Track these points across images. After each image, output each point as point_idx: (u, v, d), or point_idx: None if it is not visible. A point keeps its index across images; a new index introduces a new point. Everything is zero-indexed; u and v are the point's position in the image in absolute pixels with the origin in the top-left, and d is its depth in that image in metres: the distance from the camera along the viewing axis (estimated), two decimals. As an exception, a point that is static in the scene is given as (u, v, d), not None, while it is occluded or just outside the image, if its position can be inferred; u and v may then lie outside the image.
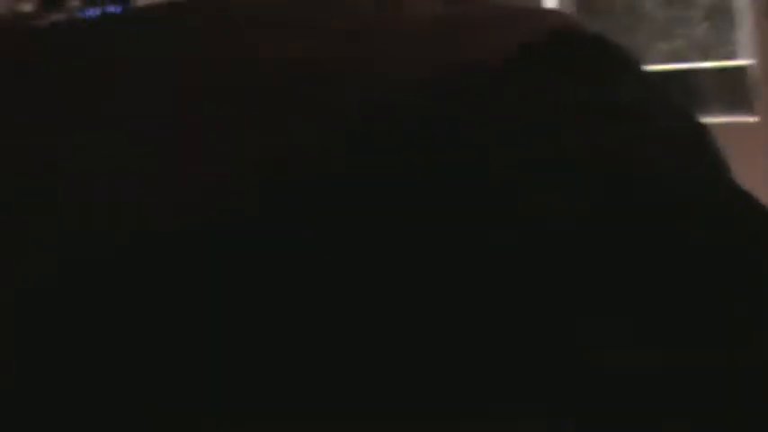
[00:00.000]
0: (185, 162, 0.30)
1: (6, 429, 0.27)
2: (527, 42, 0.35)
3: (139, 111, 0.33)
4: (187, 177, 0.30)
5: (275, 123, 0.31)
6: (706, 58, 3.84)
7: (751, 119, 3.59)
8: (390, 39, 0.36)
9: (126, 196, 0.30)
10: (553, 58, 0.36)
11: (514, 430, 0.27)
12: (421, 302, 0.28)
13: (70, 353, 0.27)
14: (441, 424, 0.27)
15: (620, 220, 0.31)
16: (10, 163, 0.32)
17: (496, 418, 0.27)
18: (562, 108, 0.34)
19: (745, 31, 3.72)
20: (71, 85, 0.35)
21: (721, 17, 3.83)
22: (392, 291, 0.28)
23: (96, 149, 0.32)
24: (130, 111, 0.33)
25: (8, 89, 0.35)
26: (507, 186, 0.31)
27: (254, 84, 0.33)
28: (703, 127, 0.41)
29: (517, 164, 0.31)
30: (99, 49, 0.37)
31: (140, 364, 0.27)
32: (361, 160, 0.30)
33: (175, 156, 0.31)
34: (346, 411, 0.27)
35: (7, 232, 0.29)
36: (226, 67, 0.34)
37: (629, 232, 0.31)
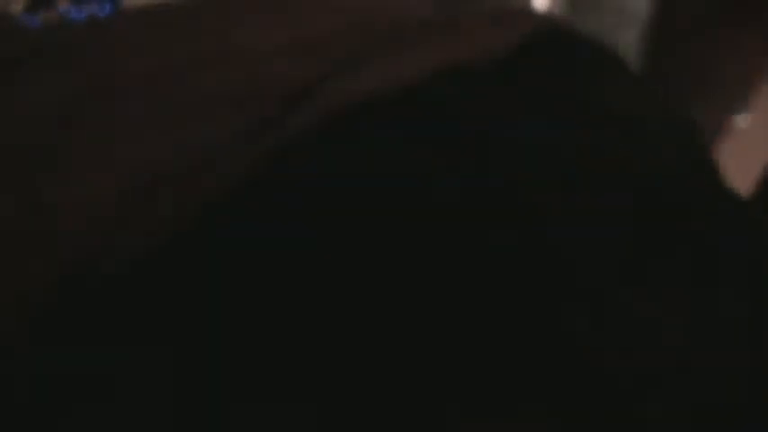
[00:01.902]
0: (184, 161, 0.30)
1: (5, 428, 0.27)
2: (521, 43, 0.35)
3: (137, 110, 0.33)
4: (185, 178, 0.30)
5: (275, 122, 0.31)
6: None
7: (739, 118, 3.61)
8: (382, 39, 0.36)
9: (121, 198, 0.30)
10: (547, 58, 0.36)
11: (514, 430, 0.27)
12: (421, 302, 0.28)
13: (71, 354, 0.27)
14: (441, 423, 0.27)
15: (617, 220, 0.31)
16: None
17: (496, 417, 0.27)
18: (559, 108, 0.34)
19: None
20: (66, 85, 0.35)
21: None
22: (392, 291, 0.28)
23: (95, 144, 0.32)
24: (126, 110, 0.33)
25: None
26: (507, 186, 0.31)
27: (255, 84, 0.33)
28: (694, 126, 0.41)
29: (516, 164, 0.31)
30: (88, 50, 0.37)
31: (141, 364, 0.27)
32: (358, 158, 0.30)
33: (172, 155, 0.31)
34: (346, 411, 0.27)
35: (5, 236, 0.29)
36: (218, 63, 0.34)
37: (626, 232, 0.31)
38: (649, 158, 0.35)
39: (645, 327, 0.30)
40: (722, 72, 0.84)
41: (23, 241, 0.30)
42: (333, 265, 0.29)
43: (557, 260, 0.30)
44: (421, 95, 0.33)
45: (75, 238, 0.29)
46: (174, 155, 0.31)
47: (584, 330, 0.29)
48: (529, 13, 0.39)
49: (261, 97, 0.32)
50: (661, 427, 0.28)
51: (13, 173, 0.32)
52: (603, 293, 0.30)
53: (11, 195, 0.31)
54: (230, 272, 0.29)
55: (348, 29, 0.36)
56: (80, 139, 0.32)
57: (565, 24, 0.39)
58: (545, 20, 0.39)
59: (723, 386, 0.30)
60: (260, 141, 0.31)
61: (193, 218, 0.29)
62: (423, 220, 0.30)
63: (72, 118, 0.33)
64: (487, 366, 0.28)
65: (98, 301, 0.28)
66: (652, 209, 0.32)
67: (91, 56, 0.37)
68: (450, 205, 0.30)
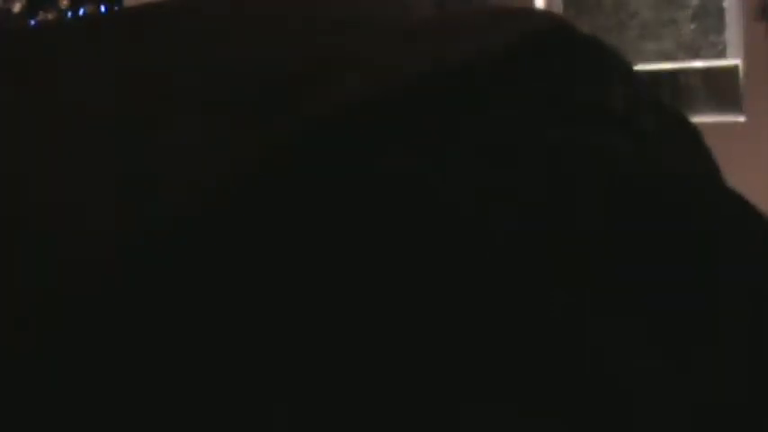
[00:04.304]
0: (181, 165, 0.30)
1: (3, 426, 0.27)
2: (521, 42, 0.35)
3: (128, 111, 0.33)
4: (184, 177, 0.30)
5: (272, 120, 0.31)
6: (695, 59, 3.86)
7: (739, 118, 3.61)
8: (379, 38, 0.36)
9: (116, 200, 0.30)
10: (548, 58, 0.36)
11: (500, 428, 0.27)
12: (408, 302, 0.28)
13: (69, 358, 0.27)
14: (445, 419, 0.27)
15: (613, 220, 0.31)
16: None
17: (481, 416, 0.27)
18: (557, 108, 0.34)
19: (733, 31, 3.74)
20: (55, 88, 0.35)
21: (710, 17, 3.84)
22: (391, 289, 0.28)
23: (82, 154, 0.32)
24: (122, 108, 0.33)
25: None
26: (504, 180, 0.31)
27: (246, 84, 0.33)
28: (694, 127, 0.41)
29: (514, 160, 0.31)
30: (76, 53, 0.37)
31: (140, 366, 0.27)
32: (358, 160, 0.30)
33: (168, 159, 0.31)
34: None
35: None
36: (222, 69, 0.34)
37: (623, 231, 0.31)
38: (649, 158, 0.35)
39: (642, 325, 0.30)
40: None
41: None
42: (334, 266, 0.29)
43: (551, 258, 0.30)
44: (420, 95, 0.33)
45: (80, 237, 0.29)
46: (177, 151, 0.31)
47: (582, 329, 0.29)
48: (529, 12, 0.39)
49: (262, 94, 0.32)
50: (656, 428, 0.28)
51: (10, 174, 0.32)
52: (601, 291, 0.30)
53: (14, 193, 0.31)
54: (231, 272, 0.28)
55: (346, 27, 0.36)
56: (87, 138, 0.32)
57: (566, 23, 0.39)
58: (545, 19, 0.39)
59: (719, 382, 0.30)
60: (259, 139, 0.31)
61: (192, 218, 0.29)
62: (421, 221, 0.30)
63: (77, 117, 0.33)
64: (461, 365, 0.28)
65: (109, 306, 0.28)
66: (649, 209, 0.32)
67: (92, 55, 0.37)
68: (444, 204, 0.30)
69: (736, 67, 3.69)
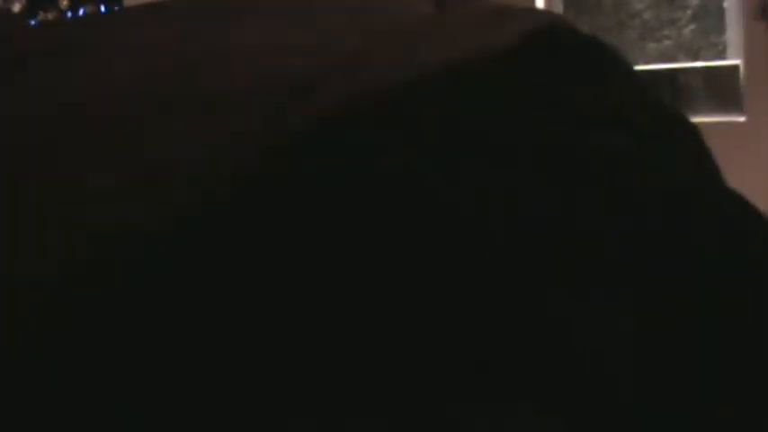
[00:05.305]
0: (188, 158, 0.30)
1: (3, 426, 0.27)
2: (520, 42, 0.35)
3: (140, 110, 0.33)
4: (191, 174, 0.30)
5: (274, 121, 0.31)
6: (695, 59, 3.85)
7: (739, 118, 3.61)
8: (380, 38, 0.35)
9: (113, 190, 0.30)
10: (547, 57, 0.36)
11: (500, 428, 0.27)
12: (411, 301, 0.28)
13: (68, 355, 0.27)
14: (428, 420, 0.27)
15: (613, 220, 0.31)
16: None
17: (483, 415, 0.27)
18: (557, 108, 0.34)
19: (733, 32, 3.74)
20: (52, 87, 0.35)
21: (710, 17, 3.84)
22: (388, 288, 0.28)
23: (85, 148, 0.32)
24: (132, 110, 0.33)
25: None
26: (504, 180, 0.31)
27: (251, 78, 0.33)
28: (694, 127, 0.41)
29: (514, 160, 0.31)
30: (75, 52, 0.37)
31: (137, 368, 0.27)
32: (357, 159, 0.30)
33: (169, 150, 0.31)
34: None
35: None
36: (222, 70, 0.34)
37: (622, 229, 0.31)
38: (649, 158, 0.35)
39: (642, 323, 0.30)
40: None
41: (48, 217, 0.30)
42: (334, 265, 0.29)
43: (551, 254, 0.30)
44: (420, 95, 0.33)
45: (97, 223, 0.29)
46: (177, 152, 0.31)
47: (582, 327, 0.29)
48: (529, 12, 0.39)
49: (262, 94, 0.32)
50: (655, 426, 0.28)
51: (11, 171, 0.32)
52: (598, 288, 0.30)
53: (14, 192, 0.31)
54: (231, 272, 0.29)
55: (348, 27, 0.36)
56: (86, 140, 0.32)
57: (567, 23, 0.39)
58: (546, 19, 0.39)
59: (716, 379, 0.30)
60: (259, 139, 0.31)
61: (192, 218, 0.29)
62: (421, 221, 0.30)
63: (76, 118, 0.33)
64: (474, 364, 0.28)
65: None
66: (648, 207, 0.32)
67: (92, 56, 0.37)
68: (445, 202, 0.30)
69: (736, 68, 3.68)
